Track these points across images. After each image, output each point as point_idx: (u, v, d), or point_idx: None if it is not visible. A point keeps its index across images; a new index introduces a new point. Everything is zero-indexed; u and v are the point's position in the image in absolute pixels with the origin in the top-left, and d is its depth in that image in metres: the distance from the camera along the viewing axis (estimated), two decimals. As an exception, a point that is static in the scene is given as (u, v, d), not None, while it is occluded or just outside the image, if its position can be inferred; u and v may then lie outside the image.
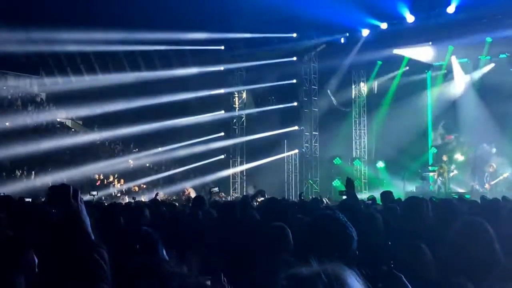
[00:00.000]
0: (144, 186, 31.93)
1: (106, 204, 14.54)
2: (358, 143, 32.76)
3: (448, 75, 29.52)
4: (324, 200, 17.22)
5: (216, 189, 28.57)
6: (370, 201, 13.63)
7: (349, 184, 8.01)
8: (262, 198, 17.36)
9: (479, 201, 11.52)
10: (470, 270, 4.54)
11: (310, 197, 21.36)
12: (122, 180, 30.83)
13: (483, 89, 27.98)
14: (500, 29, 25.41)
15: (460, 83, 29.04)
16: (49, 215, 4.24)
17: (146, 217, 8.38)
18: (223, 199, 25.51)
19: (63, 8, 26.76)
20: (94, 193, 23.11)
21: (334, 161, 30.90)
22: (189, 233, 7.91)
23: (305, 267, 2.27)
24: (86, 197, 20.17)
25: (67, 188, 3.39)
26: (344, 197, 10.69)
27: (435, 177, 26.81)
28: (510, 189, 24.03)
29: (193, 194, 30.06)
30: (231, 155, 34.42)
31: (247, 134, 33.70)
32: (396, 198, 12.44)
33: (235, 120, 34.57)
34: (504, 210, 8.09)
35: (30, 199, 14.43)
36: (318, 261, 2.31)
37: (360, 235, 3.96)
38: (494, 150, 26.73)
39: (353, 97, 33.00)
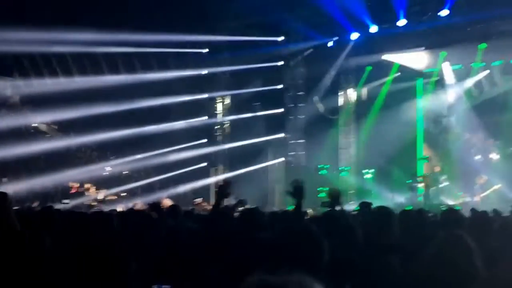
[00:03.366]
0: (123, 194, 31.13)
1: (75, 212, 13.92)
2: (345, 152, 31.83)
3: (440, 82, 28.88)
4: (308, 211, 16.48)
5: (199, 199, 27.95)
6: (355, 212, 12.76)
7: (333, 195, 8.60)
8: (243, 208, 16.56)
9: (468, 213, 11.11)
10: (447, 283, 4.69)
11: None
12: (98, 188, 29.99)
13: (476, 97, 27.60)
14: (494, 35, 24.87)
15: (452, 90, 28.50)
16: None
17: (114, 228, 7.92)
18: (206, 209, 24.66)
19: (38, 7, 25.88)
20: (67, 201, 22.47)
21: (320, 171, 30.08)
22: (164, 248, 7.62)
23: (273, 276, 2.25)
24: (58, 206, 19.47)
25: None
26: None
27: (424, 188, 26.26)
28: (501, 201, 23.70)
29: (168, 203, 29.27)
30: (213, 163, 33.48)
31: (230, 141, 32.78)
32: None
33: (218, 127, 33.75)
34: (494, 223, 7.99)
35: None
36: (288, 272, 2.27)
37: (336, 249, 4.16)
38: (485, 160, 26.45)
39: (340, 104, 32.18)
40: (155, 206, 11.24)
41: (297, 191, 7.56)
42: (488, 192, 24.94)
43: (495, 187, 24.94)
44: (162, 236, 8.06)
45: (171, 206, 11.74)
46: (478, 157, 26.94)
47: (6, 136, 27.19)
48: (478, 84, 28.07)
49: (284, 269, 2.29)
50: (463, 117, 27.89)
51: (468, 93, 28.26)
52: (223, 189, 7.43)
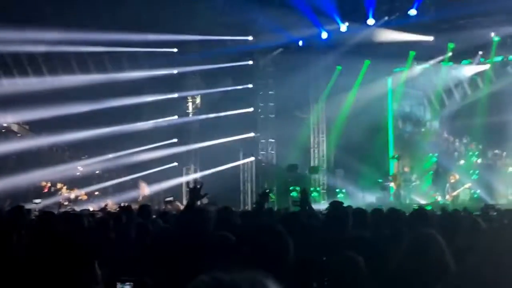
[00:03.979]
0: (96, 193, 31.12)
1: (46, 211, 13.90)
2: (316, 151, 31.83)
3: (409, 81, 29.01)
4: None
5: (171, 198, 27.95)
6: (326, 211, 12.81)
7: (303, 194, 8.78)
8: (214, 208, 16.62)
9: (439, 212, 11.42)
10: (418, 280, 4.77)
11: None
12: (70, 188, 29.85)
13: (445, 96, 27.76)
14: (462, 34, 24.94)
15: (421, 88, 28.67)
16: None
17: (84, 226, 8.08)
18: (179, 208, 24.68)
19: (8, 6, 25.67)
20: (38, 201, 22.36)
21: (291, 170, 30.10)
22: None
23: (226, 274, 2.20)
24: (29, 205, 19.41)
25: None
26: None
27: (394, 187, 26.34)
28: (472, 200, 23.95)
29: (147, 191, 29.42)
30: (185, 163, 33.39)
31: (201, 141, 32.60)
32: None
33: (188, 126, 33.62)
34: (463, 222, 7.98)
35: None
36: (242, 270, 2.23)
37: (301, 248, 4.15)
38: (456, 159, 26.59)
39: (311, 103, 32.02)
40: (125, 208, 11.31)
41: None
42: (458, 191, 24.98)
43: (466, 185, 25.04)
44: (131, 235, 8.11)
45: (140, 207, 11.70)
46: (461, 162, 27.07)
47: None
48: (447, 82, 28.25)
49: (240, 267, 2.26)
50: (447, 120, 27.95)
51: (438, 91, 28.41)
52: (196, 191, 7.49)
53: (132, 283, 5.52)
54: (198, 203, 7.96)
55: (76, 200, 29.22)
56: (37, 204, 22.32)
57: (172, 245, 6.72)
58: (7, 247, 5.86)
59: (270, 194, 28.35)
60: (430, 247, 4.95)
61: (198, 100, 33.89)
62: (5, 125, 32.31)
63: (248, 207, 28.75)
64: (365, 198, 26.85)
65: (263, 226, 4.31)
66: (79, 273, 4.22)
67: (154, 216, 11.22)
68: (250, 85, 32.03)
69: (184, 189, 32.25)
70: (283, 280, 2.35)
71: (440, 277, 4.74)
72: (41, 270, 4.12)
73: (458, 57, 27.43)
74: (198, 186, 7.58)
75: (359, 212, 8.76)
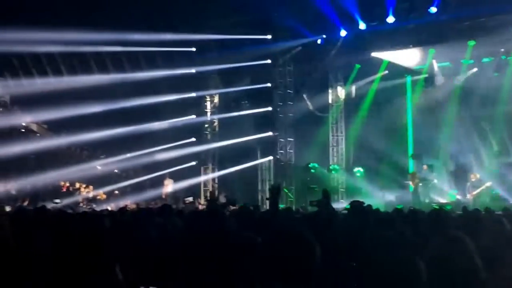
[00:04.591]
0: (117, 192, 31.16)
1: (66, 212, 13.94)
2: (335, 150, 31.73)
3: (428, 80, 28.77)
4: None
5: (190, 198, 27.96)
6: (346, 211, 12.70)
7: (325, 196, 8.47)
8: (233, 207, 16.63)
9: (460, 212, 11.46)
10: (445, 285, 4.49)
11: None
12: (88, 187, 29.89)
13: (465, 95, 27.48)
14: (483, 32, 24.66)
15: (441, 87, 28.40)
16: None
17: (105, 227, 7.60)
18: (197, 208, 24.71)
19: (28, 6, 25.78)
20: (58, 200, 22.40)
21: (311, 169, 29.96)
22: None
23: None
24: (49, 205, 19.51)
25: None
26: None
27: (413, 186, 26.12)
28: (493, 199, 23.65)
29: (170, 188, 29.46)
30: (203, 162, 33.38)
31: (219, 140, 32.63)
32: (375, 208, 11.75)
33: (207, 125, 33.72)
34: (486, 222, 7.85)
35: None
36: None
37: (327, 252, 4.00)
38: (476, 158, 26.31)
39: (330, 101, 32.02)
40: (145, 209, 11.26)
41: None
42: (479, 190, 24.67)
43: (487, 184, 24.75)
44: (152, 236, 8.05)
45: (161, 206, 11.61)
46: (481, 160, 26.80)
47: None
48: (467, 80, 27.98)
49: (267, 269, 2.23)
50: (466, 118, 27.67)
51: (458, 89, 28.16)
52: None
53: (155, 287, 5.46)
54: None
55: (94, 200, 29.26)
56: (57, 204, 22.36)
57: (194, 246, 6.56)
58: (31, 248, 5.82)
59: (284, 189, 28.45)
60: (458, 250, 4.73)
61: (216, 99, 33.89)
62: (24, 124, 32.45)
63: (266, 207, 28.67)
64: (384, 197, 26.57)
65: (289, 231, 4.05)
66: (101, 278, 4.18)
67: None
68: (269, 84, 31.83)
69: (203, 188, 32.30)
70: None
71: (470, 284, 4.55)
72: (64, 272, 4.06)
73: (479, 55, 27.12)
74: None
75: (379, 213, 8.67)
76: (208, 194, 29.73)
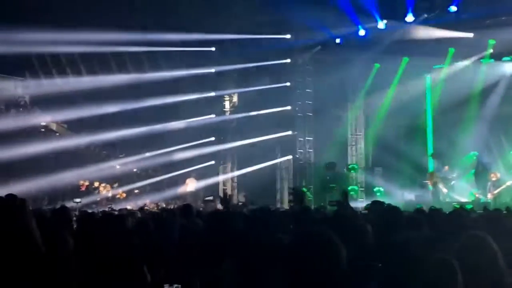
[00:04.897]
0: (136, 191, 31.36)
1: (87, 212, 14.07)
2: (354, 149, 31.62)
3: (448, 78, 28.60)
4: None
5: (211, 197, 27.99)
6: (366, 211, 12.63)
7: (344, 196, 8.81)
8: (253, 207, 16.60)
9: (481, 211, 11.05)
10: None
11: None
12: (107, 187, 30.01)
13: (485, 93, 27.33)
14: (503, 30, 24.52)
15: (461, 86, 28.23)
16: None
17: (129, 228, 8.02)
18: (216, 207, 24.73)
19: (48, 7, 25.88)
20: (78, 200, 22.46)
21: (329, 168, 29.83)
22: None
23: None
24: (70, 204, 19.61)
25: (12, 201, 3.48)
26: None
27: (432, 185, 26.00)
28: None
29: (192, 187, 29.53)
30: (222, 161, 33.44)
31: (238, 139, 32.54)
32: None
33: (226, 125, 33.65)
34: (507, 222, 7.78)
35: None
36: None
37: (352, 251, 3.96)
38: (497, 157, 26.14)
39: (349, 101, 31.85)
40: (167, 209, 11.26)
41: (296, 197, 7.56)
42: (500, 189, 24.50)
43: (508, 183, 24.57)
44: (174, 236, 8.06)
45: (183, 206, 11.54)
46: (502, 159, 26.57)
47: (16, 135, 27.32)
48: (487, 78, 27.81)
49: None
50: (486, 117, 27.47)
51: (478, 88, 27.98)
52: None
53: (180, 286, 5.48)
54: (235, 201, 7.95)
55: (114, 199, 29.36)
56: (78, 203, 22.44)
57: (217, 246, 6.53)
58: (54, 249, 5.82)
59: (307, 192, 28.37)
60: (483, 251, 4.69)
61: (235, 99, 33.91)
62: (44, 124, 32.60)
63: (285, 206, 28.64)
64: (404, 196, 26.50)
65: (314, 233, 3.95)
66: (130, 278, 4.19)
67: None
68: (288, 83, 31.86)
69: (222, 187, 32.32)
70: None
71: (495, 285, 4.49)
72: (90, 274, 4.07)
73: (499, 54, 26.98)
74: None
75: (403, 212, 8.60)
76: (222, 195, 29.82)
